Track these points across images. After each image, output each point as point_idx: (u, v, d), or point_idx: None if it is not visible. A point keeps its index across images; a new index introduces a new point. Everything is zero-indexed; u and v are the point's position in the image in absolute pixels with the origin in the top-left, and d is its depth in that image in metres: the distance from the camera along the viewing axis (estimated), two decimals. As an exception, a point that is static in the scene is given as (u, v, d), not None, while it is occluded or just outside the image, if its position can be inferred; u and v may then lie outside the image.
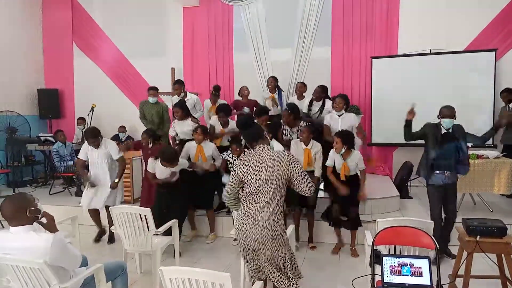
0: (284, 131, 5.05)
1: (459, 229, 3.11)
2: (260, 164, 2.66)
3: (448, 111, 3.80)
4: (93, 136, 4.63)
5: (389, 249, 3.02)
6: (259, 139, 2.80)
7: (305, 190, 2.66)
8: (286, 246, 2.74)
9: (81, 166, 4.84)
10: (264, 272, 2.74)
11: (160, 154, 4.37)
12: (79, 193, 6.43)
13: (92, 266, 2.66)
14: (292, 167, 2.65)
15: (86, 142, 4.77)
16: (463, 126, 3.89)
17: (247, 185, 2.70)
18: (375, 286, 2.56)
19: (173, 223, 3.97)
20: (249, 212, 2.66)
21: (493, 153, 5.05)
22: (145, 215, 3.63)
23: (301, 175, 2.65)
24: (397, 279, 2.41)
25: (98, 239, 5.03)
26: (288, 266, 2.71)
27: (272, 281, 2.71)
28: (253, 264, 2.80)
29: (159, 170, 4.50)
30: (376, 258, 2.63)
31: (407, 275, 2.40)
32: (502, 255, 2.99)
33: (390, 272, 2.43)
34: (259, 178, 2.63)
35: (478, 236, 2.85)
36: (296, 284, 2.73)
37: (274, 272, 2.69)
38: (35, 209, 2.39)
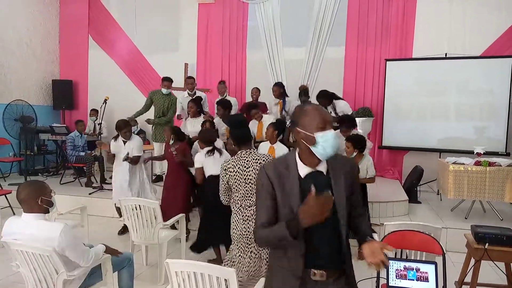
0: None
1: (468, 235, 3.07)
2: (247, 168, 2.74)
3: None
4: (126, 125, 4.61)
5: (396, 253, 3.00)
6: (246, 141, 2.85)
7: None
8: None
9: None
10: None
11: (200, 134, 4.05)
12: (89, 184, 6.52)
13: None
14: None
15: (112, 140, 4.77)
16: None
17: (236, 189, 2.78)
18: (380, 289, 2.55)
19: (180, 217, 3.98)
20: (247, 215, 2.75)
21: (505, 160, 4.94)
22: (153, 208, 3.66)
23: None
24: (403, 283, 2.39)
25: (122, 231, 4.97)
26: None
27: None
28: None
29: (210, 163, 3.87)
30: (382, 261, 2.61)
31: (413, 280, 2.39)
32: (511, 264, 2.95)
33: (396, 276, 2.42)
34: (248, 182, 2.72)
35: (487, 244, 2.82)
36: None
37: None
38: (48, 200, 2.43)
